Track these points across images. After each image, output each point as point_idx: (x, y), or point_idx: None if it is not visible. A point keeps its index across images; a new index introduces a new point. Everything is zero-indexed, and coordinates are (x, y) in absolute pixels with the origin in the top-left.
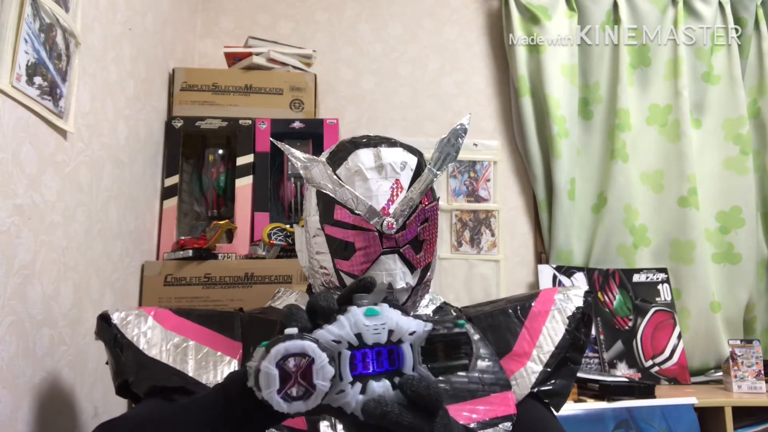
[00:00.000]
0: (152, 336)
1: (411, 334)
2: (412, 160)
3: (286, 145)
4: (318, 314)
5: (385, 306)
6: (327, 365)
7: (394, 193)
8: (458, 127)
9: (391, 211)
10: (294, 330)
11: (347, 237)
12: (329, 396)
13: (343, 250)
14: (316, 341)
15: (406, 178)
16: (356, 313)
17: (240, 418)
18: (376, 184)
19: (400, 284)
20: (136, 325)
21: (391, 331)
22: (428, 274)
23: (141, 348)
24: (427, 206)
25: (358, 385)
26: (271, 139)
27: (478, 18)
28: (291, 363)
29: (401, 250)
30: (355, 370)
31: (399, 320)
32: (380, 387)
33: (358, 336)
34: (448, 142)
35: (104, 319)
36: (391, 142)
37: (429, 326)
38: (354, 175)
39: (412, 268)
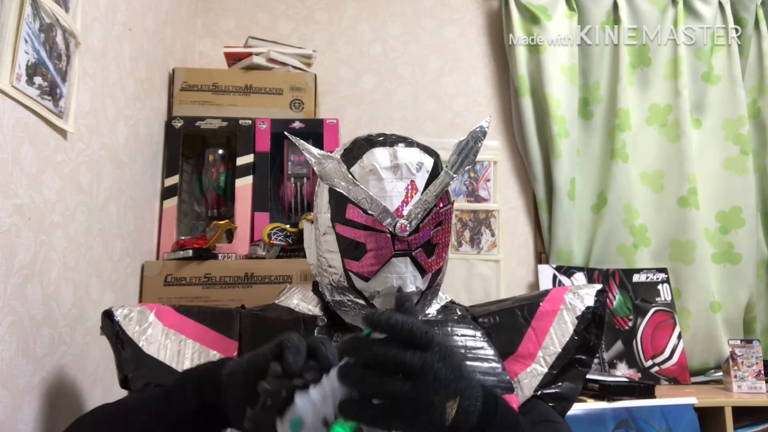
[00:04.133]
0: (152, 333)
1: None
2: (429, 162)
3: (301, 141)
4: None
5: None
6: None
7: (409, 195)
8: (477, 129)
9: (404, 212)
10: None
11: (358, 237)
12: None
13: (353, 250)
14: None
15: (421, 180)
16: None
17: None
18: (391, 184)
19: (410, 288)
20: (138, 322)
21: None
22: (439, 278)
23: (140, 345)
24: (442, 209)
25: None
26: (286, 133)
27: (478, 18)
28: None
29: (413, 253)
30: None
31: None
32: None
33: None
34: (467, 145)
35: (108, 316)
36: (408, 142)
37: None
38: (368, 174)
39: (423, 272)
